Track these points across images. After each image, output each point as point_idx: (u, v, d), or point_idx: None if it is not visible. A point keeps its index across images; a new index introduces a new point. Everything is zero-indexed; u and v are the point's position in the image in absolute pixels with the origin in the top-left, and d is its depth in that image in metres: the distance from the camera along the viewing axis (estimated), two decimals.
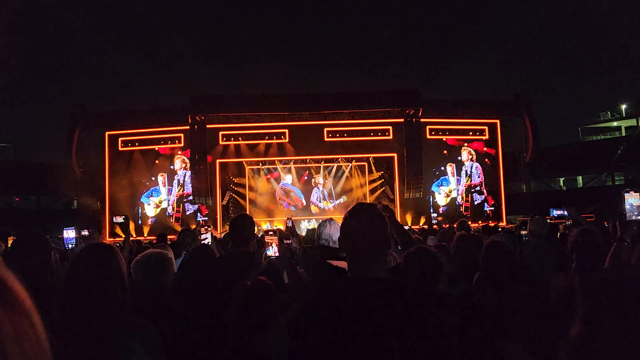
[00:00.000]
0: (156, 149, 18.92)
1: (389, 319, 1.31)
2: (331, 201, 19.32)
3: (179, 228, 17.41)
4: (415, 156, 17.65)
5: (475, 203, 19.42)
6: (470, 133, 19.54)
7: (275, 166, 19.36)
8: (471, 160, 19.45)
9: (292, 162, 19.25)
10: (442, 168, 19.41)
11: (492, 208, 19.32)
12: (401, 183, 18.32)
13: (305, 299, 1.48)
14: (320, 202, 19.42)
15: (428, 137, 18.87)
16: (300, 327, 1.41)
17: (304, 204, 19.50)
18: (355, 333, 1.29)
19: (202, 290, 2.62)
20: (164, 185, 18.96)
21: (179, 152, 18.93)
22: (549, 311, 2.57)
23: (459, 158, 19.47)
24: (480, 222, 17.25)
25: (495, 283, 2.61)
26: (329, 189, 19.54)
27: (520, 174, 20.59)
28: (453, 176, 19.39)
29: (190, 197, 18.66)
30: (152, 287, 2.34)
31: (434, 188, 19.25)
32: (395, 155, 18.71)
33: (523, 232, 5.60)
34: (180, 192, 18.94)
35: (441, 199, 19.35)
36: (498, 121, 19.63)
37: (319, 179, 19.48)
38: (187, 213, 18.81)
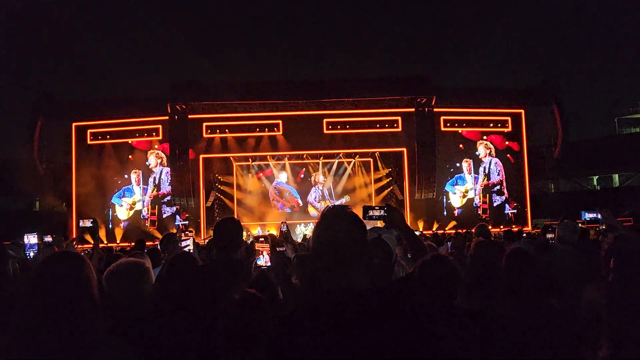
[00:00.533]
0: (130, 142, 18.92)
1: (364, 334, 1.32)
2: (331, 201, 19.31)
3: (156, 233, 17.43)
4: (428, 151, 17.69)
5: (495, 205, 19.47)
6: (491, 124, 19.57)
7: (267, 162, 19.38)
8: (489, 155, 19.48)
9: (286, 158, 19.27)
10: (458, 164, 19.46)
11: (515, 211, 19.37)
12: (411, 182, 18.36)
13: (279, 316, 1.53)
14: (318, 202, 19.42)
15: (442, 129, 18.93)
16: (272, 344, 1.45)
17: (301, 205, 19.53)
18: (326, 351, 1.31)
19: (183, 304, 2.63)
20: (138, 184, 18.96)
21: (156, 147, 18.92)
22: (578, 328, 2.59)
23: (477, 153, 19.52)
24: (501, 226, 17.31)
25: (517, 296, 2.62)
26: (328, 188, 19.56)
27: (547, 172, 20.65)
28: (470, 174, 19.44)
29: (167, 198, 18.64)
30: (127, 300, 2.35)
31: (448, 187, 19.30)
32: (404, 149, 18.76)
33: (549, 236, 5.61)
34: (155, 193, 18.92)
35: (456, 200, 19.40)
36: (523, 111, 19.68)
37: (319, 177, 19.49)
38: (164, 216, 18.81)
